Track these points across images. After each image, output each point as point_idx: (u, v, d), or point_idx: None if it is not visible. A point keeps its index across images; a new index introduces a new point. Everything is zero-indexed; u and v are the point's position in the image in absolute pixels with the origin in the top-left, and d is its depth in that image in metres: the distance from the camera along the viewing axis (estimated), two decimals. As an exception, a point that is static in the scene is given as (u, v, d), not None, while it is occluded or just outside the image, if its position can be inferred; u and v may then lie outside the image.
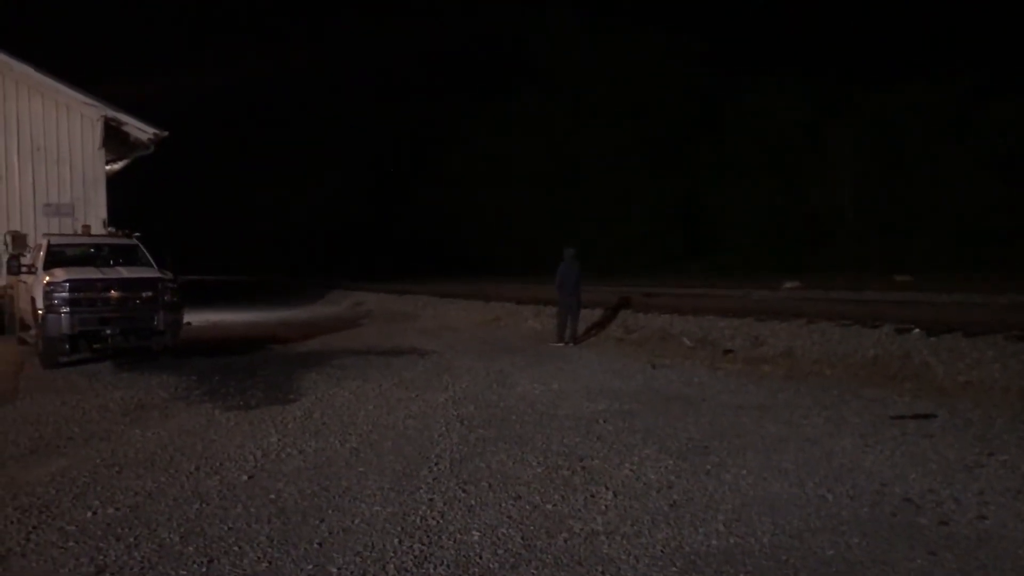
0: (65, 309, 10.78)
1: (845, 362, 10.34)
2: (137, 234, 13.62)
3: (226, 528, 4.60)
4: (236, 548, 4.28)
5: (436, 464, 5.98)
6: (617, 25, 49.34)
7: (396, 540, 4.40)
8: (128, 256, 12.83)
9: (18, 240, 15.71)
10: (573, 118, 50.97)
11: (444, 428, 7.24)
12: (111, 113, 16.88)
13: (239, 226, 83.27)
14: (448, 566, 4.05)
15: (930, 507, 4.88)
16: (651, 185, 47.25)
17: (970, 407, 7.77)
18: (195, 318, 14.28)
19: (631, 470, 5.79)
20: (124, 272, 11.77)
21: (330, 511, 4.91)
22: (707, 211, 46.87)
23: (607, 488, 5.35)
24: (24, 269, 12.10)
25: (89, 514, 4.86)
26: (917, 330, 10.38)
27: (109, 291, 11.17)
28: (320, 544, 4.35)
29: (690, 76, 47.45)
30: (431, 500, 5.12)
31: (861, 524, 4.60)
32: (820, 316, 12.38)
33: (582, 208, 48.75)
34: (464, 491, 5.31)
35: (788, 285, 24.82)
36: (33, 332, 11.66)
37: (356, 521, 4.72)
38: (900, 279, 25.60)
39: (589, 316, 15.43)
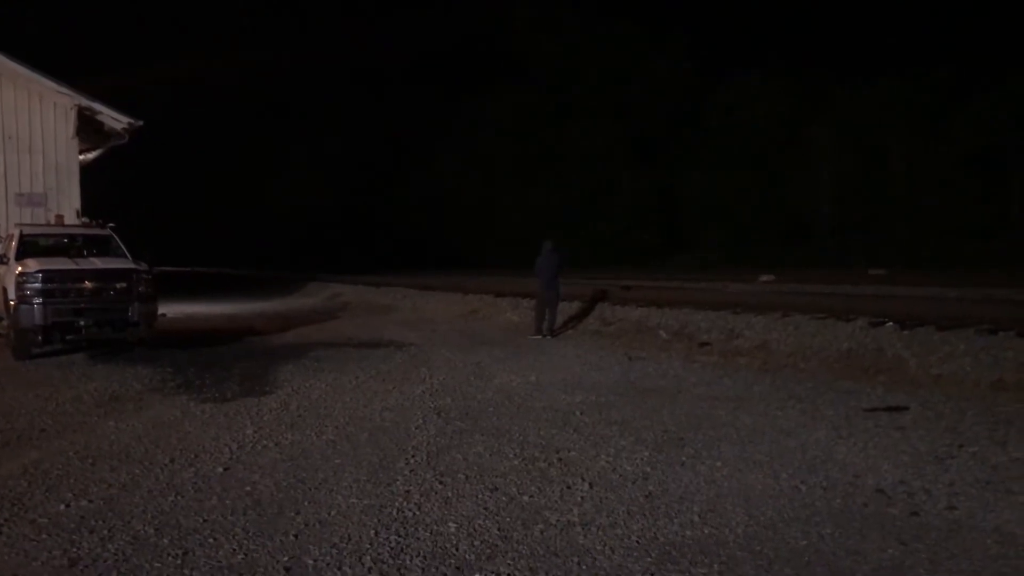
0: (38, 300, 10.64)
1: (819, 355, 10.43)
2: (111, 224, 13.45)
3: (201, 520, 4.57)
4: (211, 540, 4.26)
5: (413, 456, 5.98)
6: (598, 20, 49.37)
7: (373, 532, 4.39)
8: (102, 247, 12.67)
9: (-11, 231, 15.46)
10: (554, 112, 50.99)
11: (421, 420, 7.24)
12: (85, 102, 16.60)
13: (217, 218, 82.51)
14: (424, 557, 4.05)
15: (901, 498, 4.95)
16: (631, 179, 47.45)
17: (942, 399, 7.87)
18: (171, 310, 14.15)
19: (607, 462, 5.82)
20: (98, 263, 11.63)
21: (306, 503, 4.90)
22: (685, 205, 47.16)
23: (583, 479, 5.38)
24: (-4, 260, 11.91)
25: (62, 507, 4.81)
26: (891, 323, 10.49)
27: (83, 282, 11.03)
28: (296, 536, 4.34)
29: (671, 71, 47.63)
30: (408, 492, 5.12)
31: (834, 515, 4.66)
32: (795, 309, 12.49)
33: (563, 201, 48.85)
34: (441, 483, 5.32)
35: (764, 279, 25.02)
36: (5, 324, 11.49)
37: (332, 513, 4.72)
38: (874, 272, 25.90)
39: (567, 309, 15.46)
